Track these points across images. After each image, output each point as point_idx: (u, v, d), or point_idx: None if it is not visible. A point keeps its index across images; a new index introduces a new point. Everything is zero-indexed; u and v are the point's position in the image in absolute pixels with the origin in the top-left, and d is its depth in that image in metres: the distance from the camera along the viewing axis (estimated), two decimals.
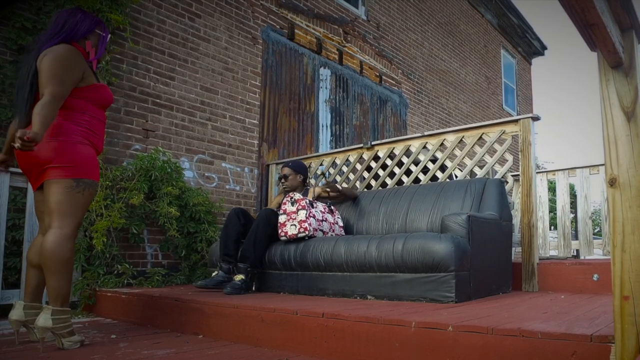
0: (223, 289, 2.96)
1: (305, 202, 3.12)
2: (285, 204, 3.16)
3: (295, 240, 3.09)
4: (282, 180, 3.74)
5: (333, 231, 3.30)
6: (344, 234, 3.42)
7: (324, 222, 3.23)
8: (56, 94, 2.04)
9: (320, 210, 3.25)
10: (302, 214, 3.08)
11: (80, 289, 3.33)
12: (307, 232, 3.05)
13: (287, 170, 3.72)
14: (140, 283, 3.65)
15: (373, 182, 4.16)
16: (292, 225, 3.08)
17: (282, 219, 3.15)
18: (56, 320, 2.02)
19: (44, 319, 2.01)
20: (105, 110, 2.39)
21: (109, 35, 2.45)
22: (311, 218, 3.11)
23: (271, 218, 3.19)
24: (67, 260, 2.09)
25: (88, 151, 2.22)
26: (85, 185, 2.17)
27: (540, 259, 3.16)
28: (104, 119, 2.35)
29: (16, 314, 2.19)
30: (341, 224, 3.43)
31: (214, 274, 3.22)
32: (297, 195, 3.16)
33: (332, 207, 3.41)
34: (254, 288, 3.17)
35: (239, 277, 3.01)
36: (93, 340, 2.30)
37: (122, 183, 3.62)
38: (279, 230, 3.15)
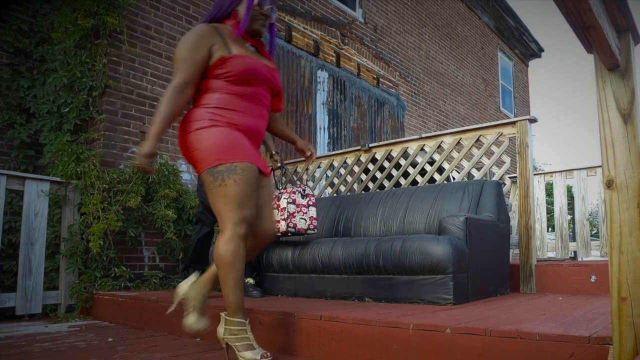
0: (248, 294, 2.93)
1: (314, 200, 3.01)
2: (295, 193, 2.90)
3: (293, 243, 3.08)
4: None
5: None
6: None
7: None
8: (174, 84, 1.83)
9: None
10: (312, 211, 2.96)
11: (77, 292, 3.32)
12: (315, 231, 2.97)
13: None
14: (137, 286, 3.64)
15: (371, 184, 4.16)
16: (301, 218, 2.89)
17: (291, 208, 2.79)
18: (227, 330, 1.82)
19: (218, 328, 1.86)
20: (252, 84, 1.91)
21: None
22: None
23: None
24: (228, 265, 1.76)
25: (217, 133, 1.82)
26: (219, 174, 1.77)
27: (538, 261, 3.17)
28: (245, 93, 1.90)
29: (183, 287, 2.00)
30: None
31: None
32: (308, 190, 2.98)
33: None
34: None
35: (251, 281, 3.06)
36: (90, 344, 2.29)
37: (119, 186, 3.61)
38: (288, 221, 2.84)
